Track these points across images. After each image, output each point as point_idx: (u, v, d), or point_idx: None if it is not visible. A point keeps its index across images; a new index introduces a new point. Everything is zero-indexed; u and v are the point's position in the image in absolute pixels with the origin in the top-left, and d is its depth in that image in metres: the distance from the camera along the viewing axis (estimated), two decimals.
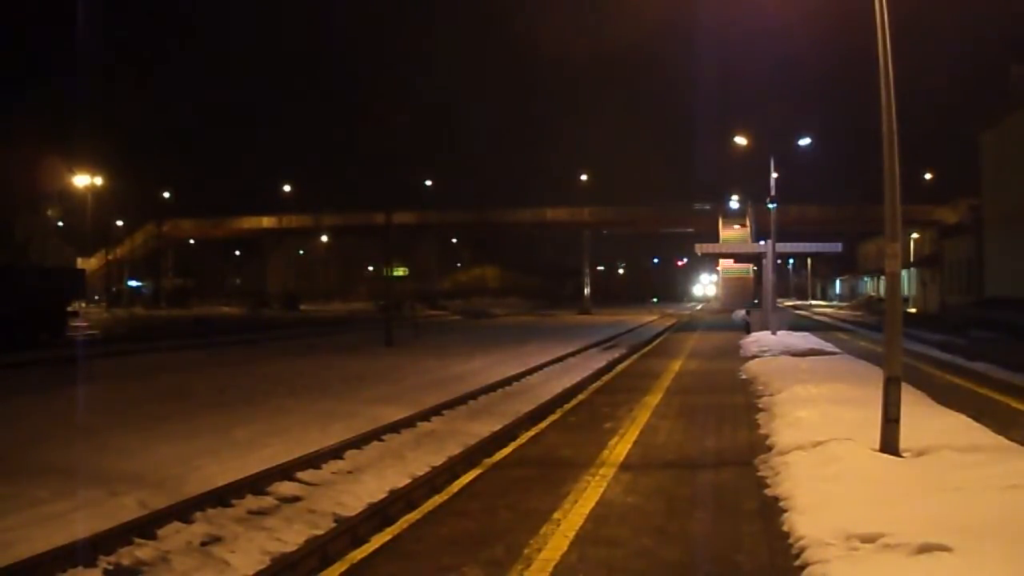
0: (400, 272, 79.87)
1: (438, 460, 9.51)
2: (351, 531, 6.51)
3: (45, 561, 5.84)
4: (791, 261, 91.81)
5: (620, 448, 8.24)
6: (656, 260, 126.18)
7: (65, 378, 16.84)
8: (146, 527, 6.75)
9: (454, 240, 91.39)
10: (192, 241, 75.90)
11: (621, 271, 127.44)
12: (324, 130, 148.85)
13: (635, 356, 20.72)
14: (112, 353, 22.77)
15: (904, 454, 6.74)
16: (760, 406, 10.62)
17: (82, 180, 50.81)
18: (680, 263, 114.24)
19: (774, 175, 26.49)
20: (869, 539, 4.60)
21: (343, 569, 4.91)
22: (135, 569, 6.14)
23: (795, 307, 57.75)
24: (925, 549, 4.34)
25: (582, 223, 67.66)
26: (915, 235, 57.74)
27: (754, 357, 17.36)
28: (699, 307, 71.71)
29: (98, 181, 52.01)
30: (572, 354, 23.44)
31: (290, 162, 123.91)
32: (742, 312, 36.23)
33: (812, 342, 20.20)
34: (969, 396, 11.61)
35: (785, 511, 5.59)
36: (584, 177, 68.44)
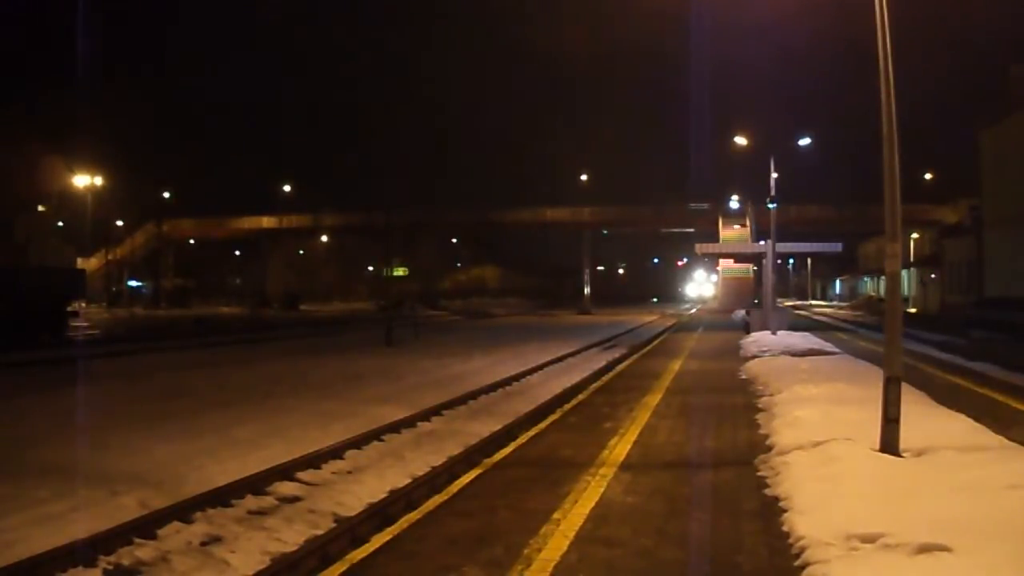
0: (400, 272, 79.89)
1: (438, 460, 9.51)
2: (351, 531, 6.51)
3: (45, 561, 5.84)
4: (791, 261, 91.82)
5: (620, 448, 8.24)
6: (656, 260, 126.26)
7: (65, 378, 16.83)
8: (146, 527, 6.75)
9: (454, 240, 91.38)
10: (192, 241, 75.85)
11: (621, 271, 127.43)
12: (324, 130, 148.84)
13: (635, 356, 20.71)
14: (112, 353, 22.76)
15: (904, 454, 6.74)
16: (760, 406, 10.62)
17: (82, 180, 50.78)
18: (680, 263, 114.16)
19: (774, 175, 26.48)
20: (869, 539, 4.60)
21: (343, 569, 4.92)
22: (135, 569, 6.14)
23: (795, 307, 57.73)
24: (925, 549, 4.34)
25: (582, 223, 67.63)
26: (915, 235, 57.73)
27: (754, 357, 17.35)
28: (693, 309, 69.23)
29: (98, 181, 51.97)
30: (572, 354, 23.44)
31: (290, 162, 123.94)
32: (742, 312, 36.21)
33: (812, 342, 20.19)
34: (969, 396, 11.61)
35: (785, 511, 5.59)
36: (584, 177, 68.53)
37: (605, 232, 76.14)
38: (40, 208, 50.81)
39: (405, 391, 15.41)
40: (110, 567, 6.10)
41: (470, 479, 7.13)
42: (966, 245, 40.63)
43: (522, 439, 9.06)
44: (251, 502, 7.79)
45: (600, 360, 21.68)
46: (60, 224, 54.03)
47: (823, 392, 10.67)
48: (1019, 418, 9.69)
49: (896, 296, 7.49)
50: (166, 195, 68.16)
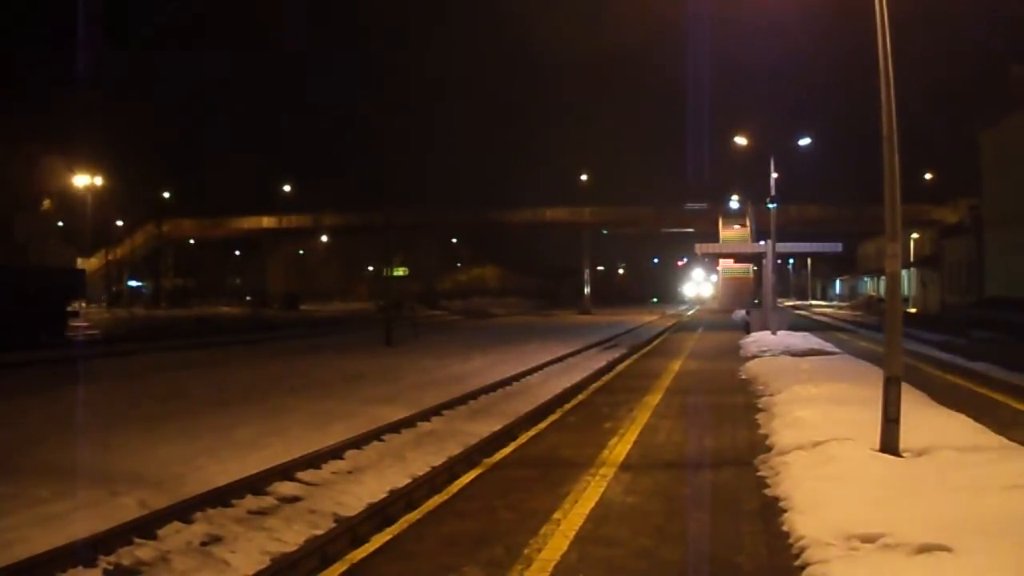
0: (400, 272, 79.89)
1: (438, 460, 9.50)
2: (351, 531, 6.51)
3: (45, 561, 5.84)
4: (791, 261, 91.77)
5: (620, 448, 8.24)
6: (656, 260, 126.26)
7: (65, 378, 16.83)
8: (146, 527, 6.75)
9: (454, 240, 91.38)
10: (192, 241, 75.85)
11: (621, 271, 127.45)
12: (324, 130, 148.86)
13: (635, 356, 20.71)
14: (112, 353, 22.76)
15: (904, 454, 6.74)
16: (760, 406, 10.62)
17: (82, 180, 50.78)
18: (680, 263, 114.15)
19: (774, 175, 26.49)
20: (869, 539, 4.60)
21: (343, 569, 4.91)
22: (135, 569, 6.14)
23: (795, 307, 57.72)
24: (925, 549, 4.34)
25: (582, 223, 67.63)
26: (915, 235, 57.73)
27: (754, 357, 17.35)
28: (692, 310, 67.80)
29: (98, 181, 51.97)
30: (572, 354, 23.43)
31: (290, 162, 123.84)
32: (742, 312, 36.20)
33: (812, 342, 20.19)
34: (969, 396, 11.60)
35: (785, 511, 5.59)
36: (584, 177, 68.46)
37: (605, 232, 76.12)
38: (42, 206, 50.86)
39: (405, 391, 15.41)
40: (110, 567, 6.10)
41: (470, 479, 7.13)
42: (966, 245, 40.63)
43: (522, 439, 9.05)
44: (251, 502, 7.79)
45: (600, 360, 21.67)
46: (60, 224, 54.07)
47: (823, 392, 10.66)
48: (1019, 418, 9.69)
49: (896, 296, 7.49)
50: (166, 195, 68.22)
